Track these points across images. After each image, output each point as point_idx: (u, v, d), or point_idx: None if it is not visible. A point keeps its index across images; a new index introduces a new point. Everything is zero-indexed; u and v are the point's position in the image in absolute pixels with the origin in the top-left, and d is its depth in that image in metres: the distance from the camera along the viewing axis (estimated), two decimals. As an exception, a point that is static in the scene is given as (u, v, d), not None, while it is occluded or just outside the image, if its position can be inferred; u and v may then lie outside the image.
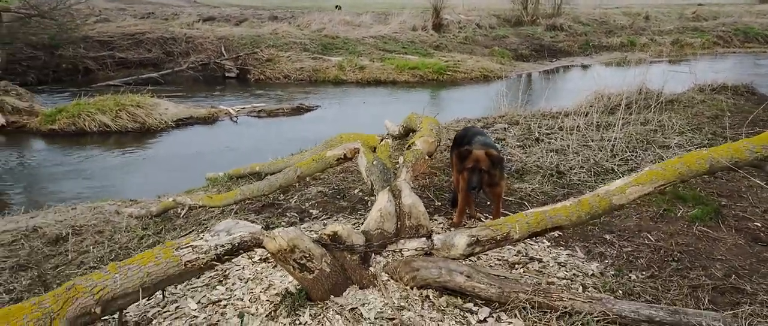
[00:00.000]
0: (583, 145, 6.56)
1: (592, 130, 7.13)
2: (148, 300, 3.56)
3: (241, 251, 3.06)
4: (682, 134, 7.14)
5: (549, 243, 4.17)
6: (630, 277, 3.64)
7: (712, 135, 7.10)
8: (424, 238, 3.45)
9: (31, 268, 4.35)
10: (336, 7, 31.59)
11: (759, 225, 4.50)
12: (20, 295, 3.90)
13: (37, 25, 16.72)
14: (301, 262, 3.11)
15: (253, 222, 3.53)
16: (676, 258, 3.89)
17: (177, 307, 3.46)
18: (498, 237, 3.34)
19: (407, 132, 5.78)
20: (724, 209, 4.78)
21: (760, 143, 3.61)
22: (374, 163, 4.20)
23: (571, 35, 25.52)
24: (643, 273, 3.71)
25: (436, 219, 4.60)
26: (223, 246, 2.97)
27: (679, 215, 4.67)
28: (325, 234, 3.29)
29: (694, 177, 3.61)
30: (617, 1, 40.30)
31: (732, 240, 4.20)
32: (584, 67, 20.52)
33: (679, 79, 11.50)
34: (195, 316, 3.33)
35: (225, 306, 3.40)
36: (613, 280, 3.59)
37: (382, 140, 4.90)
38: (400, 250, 3.44)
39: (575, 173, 5.73)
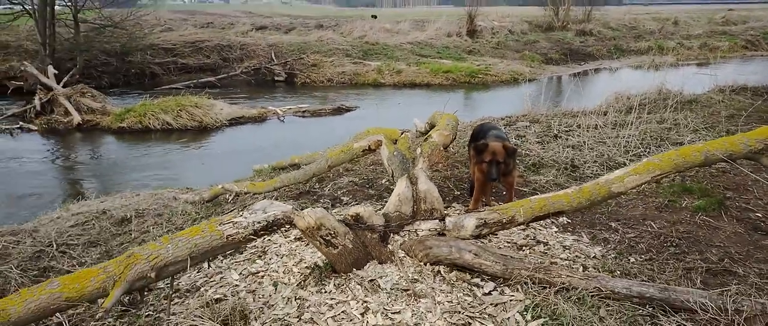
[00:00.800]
0: (599, 142, 6.55)
1: (609, 128, 7.11)
2: (197, 271, 3.84)
3: (275, 227, 3.28)
4: (696, 132, 7.03)
5: (557, 229, 4.25)
6: (629, 260, 3.70)
7: (725, 133, 6.95)
8: (438, 220, 3.61)
9: (100, 244, 4.66)
10: (372, 16, 31.81)
11: (760, 215, 4.45)
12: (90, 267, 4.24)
13: (110, 34, 17.54)
14: (327, 239, 3.31)
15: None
16: (675, 244, 3.92)
17: (222, 278, 3.72)
18: (504, 220, 3.47)
19: (432, 127, 5.92)
20: (728, 201, 4.74)
21: (754, 137, 3.61)
22: (395, 153, 4.38)
23: (601, 40, 25.01)
24: (642, 256, 3.76)
25: (454, 207, 4.73)
26: (259, 222, 3.19)
27: (683, 205, 4.67)
28: (348, 215, 3.48)
29: (690, 168, 3.64)
30: (647, 7, 39.12)
31: (732, 228, 4.19)
32: (611, 70, 20.15)
33: (702, 81, 11.24)
34: (237, 285, 3.58)
35: (262, 276, 3.65)
36: (613, 262, 3.65)
37: (402, 133, 5.08)
38: (416, 230, 3.61)
39: (588, 167, 5.76)
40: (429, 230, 3.57)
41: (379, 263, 3.46)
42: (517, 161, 5.22)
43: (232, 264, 3.90)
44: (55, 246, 4.52)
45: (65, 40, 16.46)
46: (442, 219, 3.61)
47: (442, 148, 4.55)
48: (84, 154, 10.04)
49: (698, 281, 3.36)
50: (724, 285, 3.29)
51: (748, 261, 3.64)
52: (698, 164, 3.58)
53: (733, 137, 3.69)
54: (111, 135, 11.26)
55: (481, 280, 3.33)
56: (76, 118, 11.58)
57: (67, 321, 3.29)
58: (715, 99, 9.26)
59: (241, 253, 4.05)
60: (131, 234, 4.86)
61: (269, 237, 4.15)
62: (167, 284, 3.47)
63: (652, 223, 4.30)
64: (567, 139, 6.76)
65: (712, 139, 6.54)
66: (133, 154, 9.93)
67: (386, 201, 4.80)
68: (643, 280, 3.30)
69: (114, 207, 5.63)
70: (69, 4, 16.20)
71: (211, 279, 3.70)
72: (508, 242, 3.97)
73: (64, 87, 12.73)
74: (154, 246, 3.04)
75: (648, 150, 6.26)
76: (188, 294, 3.54)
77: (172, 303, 3.32)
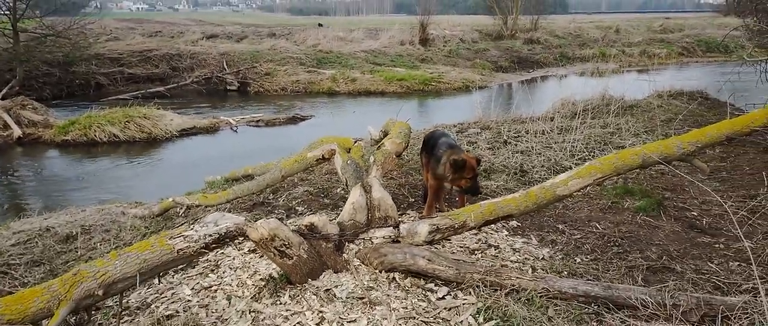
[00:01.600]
0: (546, 147, 6.77)
1: (556, 133, 7.36)
2: (147, 288, 3.74)
3: (228, 240, 3.24)
4: (637, 135, 7.37)
5: (507, 233, 4.37)
6: (575, 260, 3.85)
7: (663, 136, 7.31)
8: (392, 227, 3.65)
9: (44, 263, 4.47)
10: (318, 25, 31.91)
11: (696, 214, 4.72)
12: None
13: (52, 43, 16.82)
14: (281, 249, 3.29)
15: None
16: (618, 244, 4.10)
17: (173, 293, 3.63)
18: (456, 225, 3.54)
19: (386, 135, 5.97)
20: (666, 201, 5.00)
21: (687, 140, 3.83)
22: (348, 162, 4.41)
23: (547, 48, 25.81)
24: (588, 256, 3.91)
25: (408, 214, 4.80)
26: (211, 235, 3.15)
27: (626, 206, 4.89)
28: (303, 224, 3.47)
29: (629, 171, 3.82)
30: (591, 15, 40.67)
31: (670, 227, 4.41)
32: (558, 77, 20.82)
33: (642, 87, 11.77)
34: (189, 300, 3.50)
35: (216, 290, 3.59)
36: (561, 263, 3.79)
37: (355, 142, 5.11)
38: (371, 238, 3.64)
39: (537, 171, 5.94)
40: (383, 237, 3.61)
41: (335, 272, 3.47)
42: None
43: (184, 279, 3.82)
44: (-6, 266, 4.31)
45: (4, 50, 15.71)
46: (396, 226, 3.65)
47: (395, 156, 4.61)
48: (25, 169, 9.59)
49: (639, 278, 3.53)
50: (663, 281, 3.46)
51: (685, 258, 3.85)
52: (636, 166, 3.77)
53: (667, 140, 3.89)
54: (54, 149, 10.79)
55: (435, 285, 3.38)
56: (16, 131, 11.05)
57: (7, 345, 3.14)
58: (654, 103, 9.73)
59: (194, 267, 3.97)
60: (77, 252, 4.69)
61: (222, 250, 4.09)
62: (116, 302, 3.38)
63: (596, 224, 4.48)
64: (516, 145, 6.96)
65: (651, 142, 6.90)
66: (78, 168, 9.55)
67: (341, 210, 4.83)
68: (588, 280, 3.43)
69: (58, 224, 5.41)
70: (7, 12, 15.45)
71: (163, 296, 3.61)
72: (461, 247, 4.06)
73: (2, 99, 12.15)
74: (101, 263, 2.96)
75: (592, 153, 6.52)
76: (138, 311, 3.45)
77: (121, 321, 3.23)
